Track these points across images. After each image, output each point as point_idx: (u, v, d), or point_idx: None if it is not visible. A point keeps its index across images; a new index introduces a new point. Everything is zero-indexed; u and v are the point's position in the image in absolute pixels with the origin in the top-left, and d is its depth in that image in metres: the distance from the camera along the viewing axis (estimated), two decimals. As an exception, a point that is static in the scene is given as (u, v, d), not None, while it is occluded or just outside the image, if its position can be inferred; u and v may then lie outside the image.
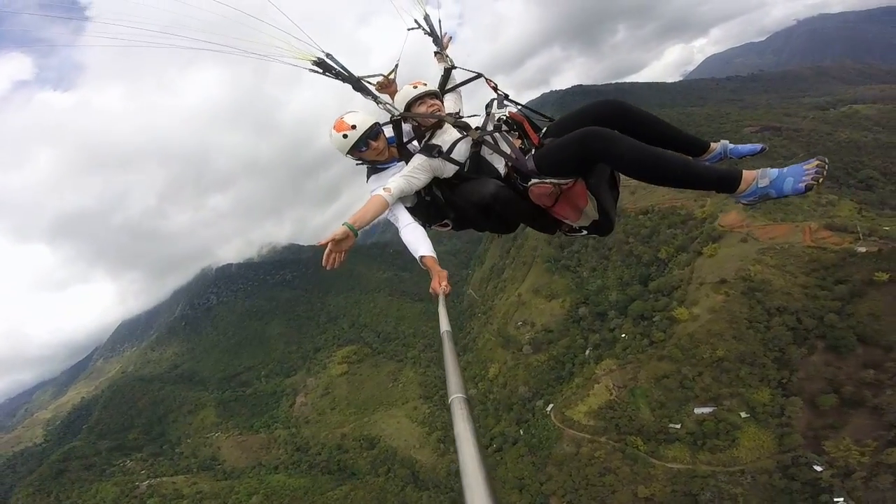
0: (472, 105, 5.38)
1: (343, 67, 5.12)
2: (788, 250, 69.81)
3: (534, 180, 4.01)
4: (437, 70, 5.70)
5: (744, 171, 3.49)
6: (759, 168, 3.55)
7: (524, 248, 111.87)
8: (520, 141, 4.37)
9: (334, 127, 4.49)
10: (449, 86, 5.50)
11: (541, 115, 4.79)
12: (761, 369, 59.38)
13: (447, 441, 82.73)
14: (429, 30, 6.09)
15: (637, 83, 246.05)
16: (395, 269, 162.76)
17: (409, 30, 6.10)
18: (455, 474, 73.52)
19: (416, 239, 4.29)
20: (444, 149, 4.38)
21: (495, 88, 4.92)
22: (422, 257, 4.13)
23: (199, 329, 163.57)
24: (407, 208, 4.53)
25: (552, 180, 3.93)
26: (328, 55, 5.04)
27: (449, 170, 4.39)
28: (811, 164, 3.38)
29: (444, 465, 79.12)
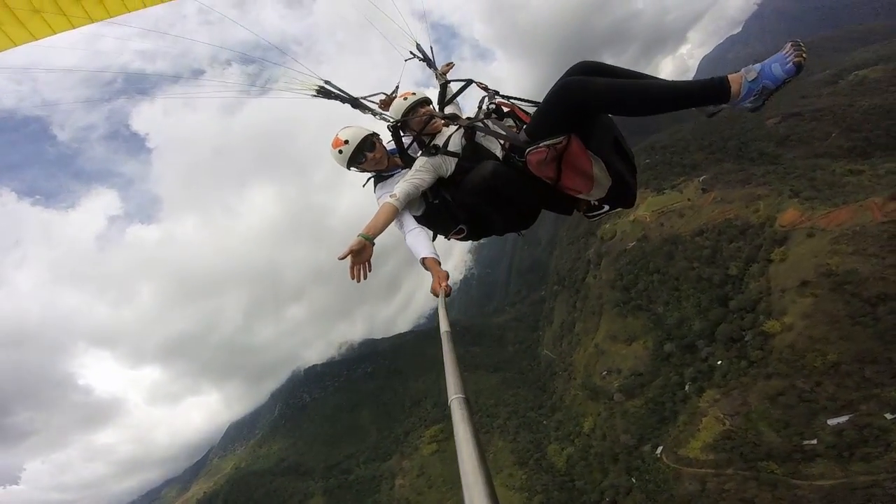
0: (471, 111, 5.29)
1: (341, 90, 5.07)
2: (863, 232, 62.19)
3: (528, 149, 3.66)
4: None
5: (728, 76, 3.15)
6: (731, 75, 3.17)
7: (589, 298, 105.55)
8: (514, 126, 4.20)
9: (331, 144, 4.45)
10: (447, 99, 5.21)
11: (530, 101, 4.46)
12: (889, 365, 49.22)
13: (553, 502, 76.80)
14: (423, 57, 6.06)
15: None
16: (465, 345, 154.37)
17: (406, 60, 6.09)
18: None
19: (418, 242, 4.12)
20: (441, 144, 4.27)
21: (485, 88, 4.79)
22: (423, 259, 3.95)
23: (298, 425, 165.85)
24: (418, 218, 4.33)
25: (545, 142, 3.55)
26: (327, 82, 5.02)
27: (449, 164, 4.23)
28: (786, 48, 3.11)
29: None
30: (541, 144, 3.56)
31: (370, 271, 3.66)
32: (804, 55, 3.00)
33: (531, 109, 4.39)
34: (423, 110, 4.47)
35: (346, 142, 4.35)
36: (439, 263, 3.91)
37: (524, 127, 3.90)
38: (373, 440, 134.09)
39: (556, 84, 3.47)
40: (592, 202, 4.03)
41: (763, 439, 53.79)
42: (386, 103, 5.23)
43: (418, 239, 4.13)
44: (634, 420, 74.26)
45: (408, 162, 4.53)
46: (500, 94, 4.60)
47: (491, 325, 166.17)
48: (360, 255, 3.57)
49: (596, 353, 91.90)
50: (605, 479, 71.39)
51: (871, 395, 48.55)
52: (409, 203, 4.14)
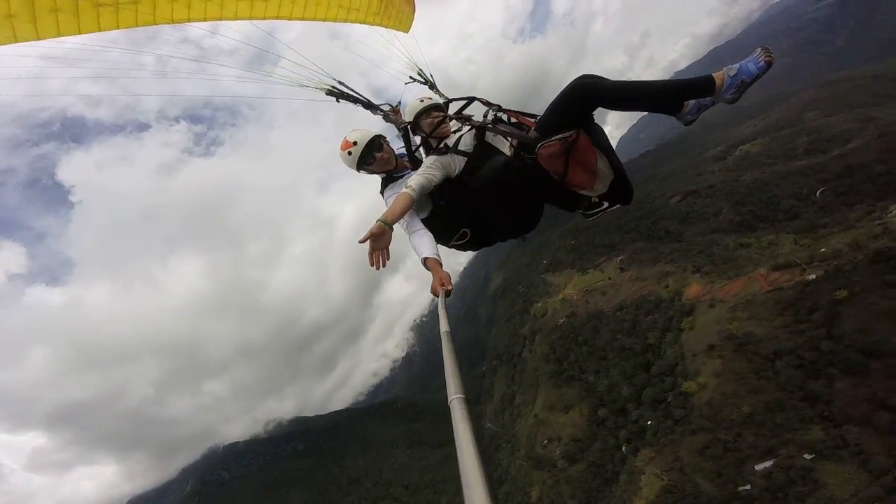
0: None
1: (354, 91, 5.00)
2: (753, 301, 67.79)
3: (540, 143, 3.74)
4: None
5: (713, 74, 3.59)
6: (715, 73, 3.63)
7: (526, 372, 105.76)
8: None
9: (340, 147, 4.36)
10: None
11: (530, 114, 4.47)
12: (795, 411, 52.30)
13: None
14: (424, 80, 6.01)
15: None
16: (407, 421, 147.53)
17: (406, 83, 6.06)
18: None
19: (422, 243, 4.00)
20: (451, 144, 4.24)
21: (488, 103, 4.70)
22: (425, 259, 3.84)
23: (214, 502, 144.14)
24: (423, 221, 4.22)
25: (557, 136, 3.67)
26: (340, 82, 4.93)
27: (459, 163, 4.19)
28: (757, 52, 3.62)
29: None
30: (553, 138, 3.68)
31: (388, 259, 3.51)
32: (772, 56, 3.55)
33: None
34: (435, 113, 4.54)
35: (355, 143, 4.31)
36: (441, 265, 3.78)
37: (535, 127, 3.97)
38: None
39: (567, 86, 3.59)
40: (593, 199, 4.06)
41: (700, 490, 53.58)
42: (392, 114, 5.21)
43: (422, 240, 4.03)
44: (579, 485, 72.52)
45: (416, 164, 4.57)
46: (503, 107, 4.57)
47: (435, 400, 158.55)
48: (380, 241, 3.43)
49: (536, 423, 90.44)
50: None
51: (788, 440, 50.72)
52: (417, 204, 4.06)
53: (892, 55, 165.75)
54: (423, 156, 4.60)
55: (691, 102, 3.91)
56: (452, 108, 5.04)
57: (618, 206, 4.18)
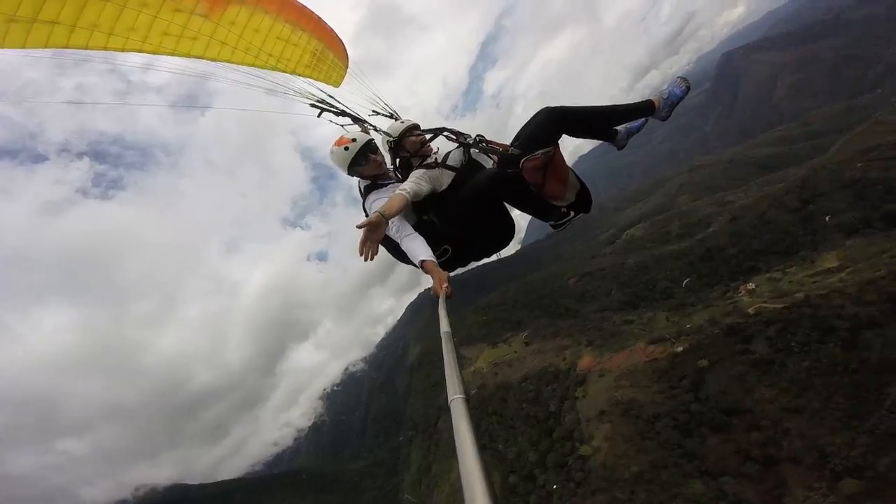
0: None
1: (343, 105, 4.85)
2: (634, 370, 70.76)
3: (524, 158, 3.88)
4: None
5: (651, 98, 4.17)
6: (652, 97, 4.22)
7: (441, 441, 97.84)
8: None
9: (336, 143, 4.16)
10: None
11: (498, 143, 4.55)
12: (677, 468, 52.44)
13: None
14: (387, 113, 5.62)
15: (487, 264, 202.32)
16: (314, 492, 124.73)
17: (368, 115, 5.59)
18: None
19: (416, 246, 3.75)
20: (440, 159, 4.28)
21: (458, 133, 4.62)
22: (422, 262, 3.61)
23: None
24: None
25: (540, 151, 3.83)
26: (330, 95, 4.79)
27: (447, 178, 4.19)
28: (677, 80, 4.20)
29: None
30: (536, 153, 3.81)
31: (377, 254, 3.23)
32: (688, 82, 4.20)
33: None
34: (417, 132, 4.45)
35: (354, 140, 4.16)
36: (438, 265, 3.58)
37: (513, 144, 4.08)
38: None
39: (542, 111, 3.87)
40: (562, 209, 4.19)
41: None
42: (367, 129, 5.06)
43: (416, 243, 3.76)
44: None
45: (402, 178, 4.40)
46: (471, 135, 4.57)
47: (346, 471, 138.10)
48: (375, 233, 3.21)
49: (452, 492, 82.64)
50: None
51: (675, 494, 50.72)
52: (403, 216, 3.95)
53: (748, 139, 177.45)
54: (399, 176, 4.46)
55: (622, 129, 4.54)
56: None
57: (581, 214, 4.33)
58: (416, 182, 3.89)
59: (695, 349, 64.05)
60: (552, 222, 4.30)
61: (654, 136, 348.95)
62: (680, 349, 66.98)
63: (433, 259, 3.58)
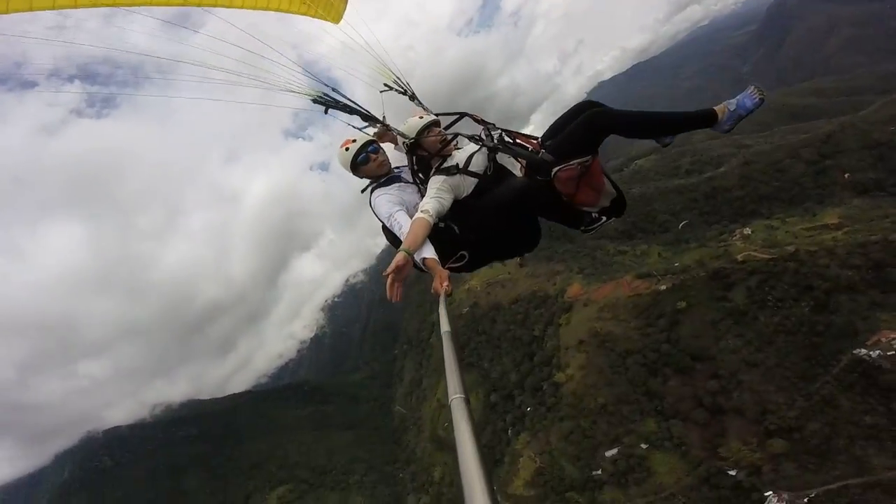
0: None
1: (349, 99, 4.45)
2: (616, 304, 72.42)
3: (558, 167, 3.68)
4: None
5: (714, 107, 3.74)
6: (719, 104, 3.80)
7: (433, 357, 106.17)
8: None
9: (341, 146, 4.20)
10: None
11: (526, 135, 4.33)
12: (638, 405, 57.11)
13: None
14: (402, 90, 5.15)
15: None
16: (315, 403, 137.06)
17: (381, 91, 5.13)
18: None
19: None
20: (461, 165, 3.96)
21: (482, 121, 4.41)
22: (423, 259, 3.53)
23: (97, 490, 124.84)
24: None
25: (576, 161, 3.64)
26: (334, 89, 4.42)
27: (468, 184, 3.96)
28: (751, 89, 3.76)
29: None
30: (571, 162, 3.62)
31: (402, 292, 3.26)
32: (764, 93, 3.72)
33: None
34: (436, 130, 4.22)
35: (354, 141, 4.18)
36: (440, 264, 3.51)
37: (546, 149, 3.85)
38: None
39: (583, 117, 3.60)
40: (593, 214, 4.02)
41: (565, 473, 57.57)
42: (381, 134, 4.66)
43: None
44: None
45: (417, 182, 4.23)
46: (497, 126, 4.35)
47: (345, 383, 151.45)
48: (402, 272, 3.15)
49: (439, 407, 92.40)
50: None
51: (630, 430, 55.76)
52: (408, 212, 3.90)
53: (784, 86, 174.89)
54: (419, 178, 4.24)
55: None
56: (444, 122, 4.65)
57: (613, 218, 4.13)
58: (437, 199, 3.72)
59: (677, 289, 65.12)
60: (581, 228, 4.13)
61: (683, 70, 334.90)
62: (663, 287, 68.15)
63: (435, 257, 3.55)
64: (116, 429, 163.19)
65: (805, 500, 37.10)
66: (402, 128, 4.27)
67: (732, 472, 43.76)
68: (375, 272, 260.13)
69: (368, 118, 4.57)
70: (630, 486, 50.34)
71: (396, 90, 5.30)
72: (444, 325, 2.17)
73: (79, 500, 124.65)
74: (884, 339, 39.05)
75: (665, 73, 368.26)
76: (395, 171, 4.42)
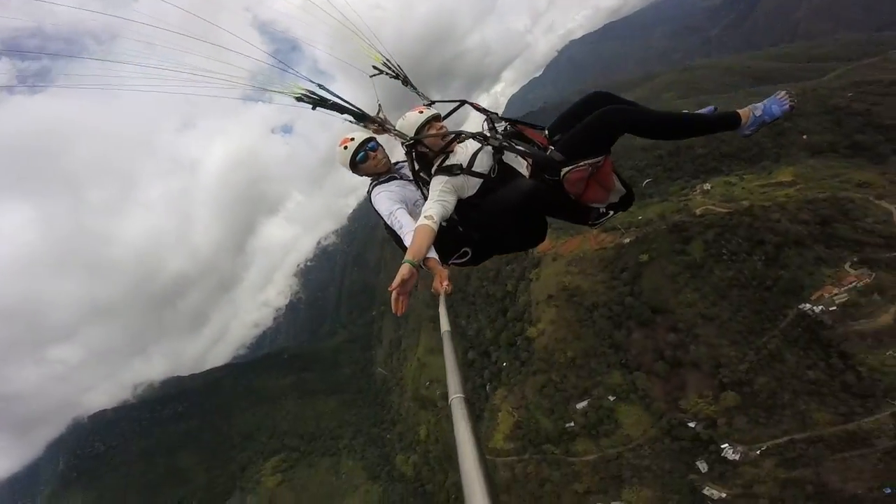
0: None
1: (337, 96, 4.08)
2: (584, 257, 74.16)
3: (567, 168, 3.59)
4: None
5: (738, 111, 3.62)
6: (742, 107, 3.66)
7: (411, 317, 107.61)
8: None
9: (339, 145, 4.12)
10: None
11: (531, 125, 4.23)
12: (605, 357, 60.02)
13: None
14: (393, 73, 4.83)
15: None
16: (297, 371, 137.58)
17: (371, 76, 4.82)
18: None
19: None
20: (465, 164, 3.78)
21: (484, 110, 4.33)
22: (424, 260, 3.43)
23: (96, 475, 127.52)
24: None
25: (587, 161, 3.55)
26: (320, 85, 4.07)
27: (472, 185, 3.80)
28: (781, 94, 3.62)
29: None
30: (582, 163, 3.53)
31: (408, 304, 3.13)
32: (796, 101, 3.60)
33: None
34: (437, 125, 3.97)
35: (352, 139, 4.07)
36: (440, 264, 3.47)
37: (556, 147, 3.73)
38: (202, 481, 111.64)
39: (598, 114, 3.46)
40: (601, 209, 3.94)
41: (541, 426, 60.90)
42: (379, 129, 4.49)
43: None
44: None
45: (419, 182, 4.09)
46: (498, 114, 4.25)
47: (324, 348, 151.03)
48: (407, 284, 3.04)
49: (419, 366, 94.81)
50: (448, 478, 72.44)
51: (598, 382, 58.86)
52: (408, 209, 3.88)
53: (752, 50, 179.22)
54: (421, 178, 4.09)
55: None
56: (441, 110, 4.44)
57: (620, 212, 4.09)
58: (440, 203, 3.60)
59: (640, 242, 66.81)
60: (588, 223, 4.09)
61: (655, 31, 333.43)
62: (627, 241, 69.78)
63: (435, 256, 3.50)
64: (102, 413, 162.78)
65: (757, 452, 40.93)
66: (400, 123, 4.00)
67: (692, 425, 46.88)
68: (347, 233, 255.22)
69: (362, 117, 4.20)
70: (600, 437, 53.74)
71: (388, 74, 4.96)
72: (445, 325, 2.12)
73: (81, 486, 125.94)
74: (826, 295, 42.00)
75: (636, 34, 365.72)
76: (396, 166, 4.32)
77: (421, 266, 3.32)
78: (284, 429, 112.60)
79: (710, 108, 4.23)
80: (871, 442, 37.72)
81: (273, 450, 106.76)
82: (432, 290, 3.24)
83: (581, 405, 59.29)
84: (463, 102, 4.54)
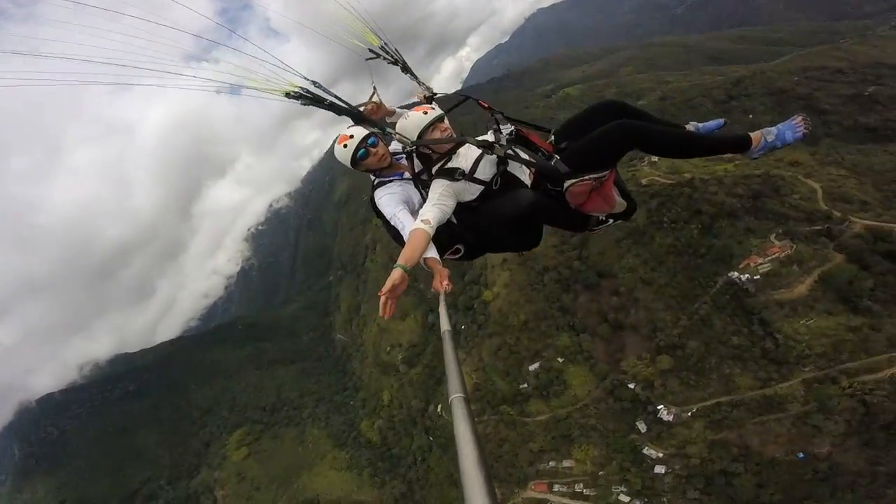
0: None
1: (334, 95, 3.95)
2: (537, 220, 74.27)
3: (570, 181, 3.64)
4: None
5: (750, 134, 3.68)
6: (755, 130, 3.74)
7: (369, 281, 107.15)
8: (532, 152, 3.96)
9: (337, 142, 3.96)
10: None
11: (538, 127, 4.37)
12: (554, 320, 62.58)
13: (380, 472, 75.92)
14: (391, 59, 4.70)
15: None
16: (252, 341, 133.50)
17: (367, 59, 4.75)
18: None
19: None
20: (467, 170, 3.74)
21: (489, 108, 4.26)
22: (424, 259, 3.49)
23: (56, 461, 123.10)
24: None
25: (591, 175, 3.60)
26: (315, 83, 3.88)
27: (473, 191, 3.78)
28: (797, 119, 3.68)
29: (388, 496, 71.60)
30: (587, 177, 3.58)
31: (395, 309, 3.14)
32: (810, 128, 3.66)
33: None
34: (442, 126, 3.87)
35: (352, 136, 3.91)
36: (441, 263, 3.54)
37: (558, 157, 3.78)
38: (166, 460, 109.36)
39: (613, 127, 3.45)
40: (600, 217, 4.01)
41: (497, 387, 63.99)
42: (373, 111, 4.38)
43: None
44: (418, 386, 79.75)
45: (421, 186, 4.01)
46: (504, 114, 4.22)
47: (280, 316, 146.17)
48: (398, 289, 3.03)
49: (379, 331, 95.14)
50: (413, 442, 74.67)
51: (548, 345, 61.81)
52: (412, 212, 3.86)
53: (713, 31, 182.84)
54: (423, 181, 4.03)
55: (691, 128, 4.25)
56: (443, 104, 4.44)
57: (620, 221, 4.16)
58: (438, 207, 3.57)
59: (590, 208, 68.54)
60: (587, 230, 4.16)
61: (623, 4, 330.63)
62: (575, 206, 71.42)
63: (436, 256, 3.55)
64: (49, 396, 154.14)
65: (689, 414, 44.41)
66: (402, 123, 3.89)
67: (632, 386, 50.00)
68: (301, 195, 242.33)
69: (360, 119, 4.11)
70: (551, 397, 57.10)
71: (385, 59, 4.80)
72: (444, 325, 2.12)
73: (43, 475, 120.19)
74: (752, 264, 45.70)
75: (604, 6, 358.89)
76: (396, 158, 4.20)
77: (423, 265, 3.37)
78: (245, 401, 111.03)
79: (720, 121, 4.41)
80: (785, 407, 41.22)
81: (235, 423, 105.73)
82: (432, 289, 3.27)
83: (533, 367, 62.45)
84: (466, 98, 4.55)
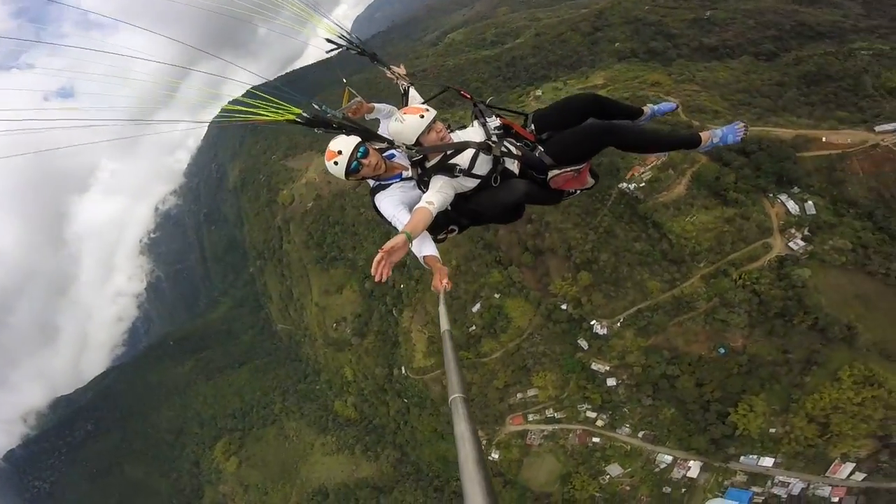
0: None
1: (349, 120, 4.18)
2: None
3: (554, 171, 4.09)
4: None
5: (701, 133, 4.29)
6: (707, 128, 4.55)
7: (292, 264, 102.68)
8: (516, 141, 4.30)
9: (326, 158, 3.99)
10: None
11: (516, 112, 4.71)
12: (480, 258, 64.72)
13: (370, 445, 78.32)
14: (356, 49, 4.95)
15: (308, 66, 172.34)
16: (191, 353, 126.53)
17: (327, 52, 5.03)
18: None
19: (421, 241, 3.89)
20: (465, 166, 4.02)
21: (471, 98, 4.63)
22: (424, 257, 3.81)
23: None
24: None
25: (572, 168, 4.10)
26: (321, 108, 4.11)
27: (470, 183, 4.09)
28: (739, 125, 4.31)
29: (386, 465, 74.70)
30: (569, 169, 4.15)
31: (389, 274, 3.28)
32: (747, 132, 4.34)
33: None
34: (438, 126, 4.05)
35: (340, 152, 3.96)
36: (440, 261, 3.75)
37: (542, 149, 4.20)
38: (166, 487, 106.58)
39: (589, 128, 4.12)
40: (571, 191, 4.54)
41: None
42: (357, 110, 4.57)
43: (421, 238, 3.87)
44: (376, 354, 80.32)
45: (425, 187, 4.16)
46: (488, 104, 4.48)
47: (211, 322, 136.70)
48: (396, 254, 3.25)
49: (319, 310, 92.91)
50: (389, 408, 76.45)
51: (483, 284, 63.97)
52: (407, 206, 4.07)
53: None
54: (415, 182, 4.25)
55: (648, 111, 5.03)
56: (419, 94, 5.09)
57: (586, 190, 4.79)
58: (441, 193, 3.85)
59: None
60: (558, 202, 4.71)
61: None
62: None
63: (436, 254, 3.75)
64: (11, 453, 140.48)
65: (617, 324, 46.90)
66: (398, 127, 4.02)
67: (564, 307, 52.18)
68: (188, 191, 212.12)
69: (370, 137, 4.23)
70: (499, 334, 59.97)
71: (349, 49, 4.83)
72: (444, 324, 2.18)
73: None
74: (636, 174, 49.74)
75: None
76: (388, 156, 4.30)
77: (423, 263, 3.74)
78: (211, 413, 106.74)
79: (672, 105, 5.40)
80: (694, 305, 43.77)
81: (213, 436, 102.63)
82: (432, 288, 3.43)
83: (475, 308, 63.89)
84: (447, 88, 5.08)
